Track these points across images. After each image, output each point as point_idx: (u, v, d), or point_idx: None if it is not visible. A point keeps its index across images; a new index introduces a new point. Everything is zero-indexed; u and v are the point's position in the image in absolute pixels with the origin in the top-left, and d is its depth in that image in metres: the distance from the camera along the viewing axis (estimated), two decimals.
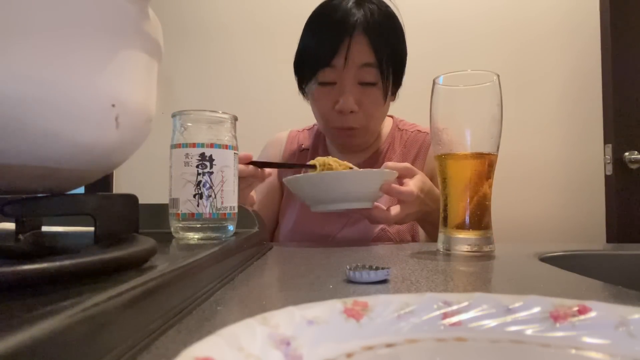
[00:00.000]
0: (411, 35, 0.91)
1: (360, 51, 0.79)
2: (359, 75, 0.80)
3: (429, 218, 0.73)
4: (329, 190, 0.62)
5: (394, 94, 0.88)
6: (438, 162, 0.57)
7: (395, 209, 0.66)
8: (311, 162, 0.70)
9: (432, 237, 0.78)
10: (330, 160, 0.70)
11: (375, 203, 0.68)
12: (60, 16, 0.24)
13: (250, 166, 0.69)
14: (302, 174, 0.65)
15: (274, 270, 0.44)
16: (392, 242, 0.80)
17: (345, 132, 0.84)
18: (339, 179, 0.61)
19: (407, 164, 0.69)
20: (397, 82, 0.86)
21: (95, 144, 0.27)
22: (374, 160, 0.91)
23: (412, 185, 0.66)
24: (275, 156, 0.99)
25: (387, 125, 0.96)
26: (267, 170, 0.71)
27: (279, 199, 0.96)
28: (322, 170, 0.69)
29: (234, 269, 0.39)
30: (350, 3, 0.81)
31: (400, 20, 0.85)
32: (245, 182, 0.70)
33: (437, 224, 0.69)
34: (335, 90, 0.81)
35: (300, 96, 0.92)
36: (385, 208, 0.67)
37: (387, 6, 0.84)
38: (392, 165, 0.68)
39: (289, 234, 0.89)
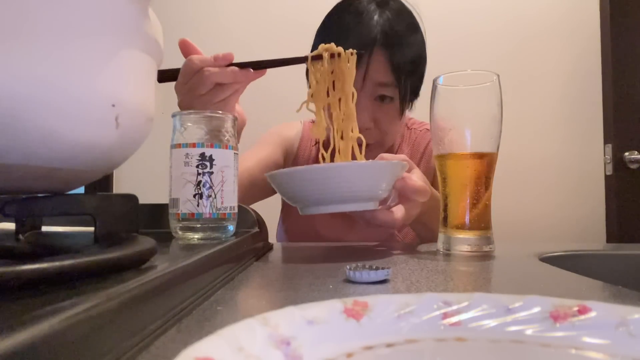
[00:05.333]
0: None
1: (378, 70, 0.75)
2: (375, 91, 0.77)
3: (421, 218, 0.66)
4: (327, 187, 0.48)
5: (411, 104, 0.84)
6: (438, 161, 0.57)
7: (399, 212, 0.57)
8: (315, 52, 0.61)
9: (423, 238, 0.75)
10: (336, 49, 0.60)
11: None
12: (60, 16, 0.24)
13: (232, 68, 0.57)
14: (290, 168, 0.51)
15: (274, 270, 0.44)
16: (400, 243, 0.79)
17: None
18: (341, 172, 0.48)
19: (403, 156, 0.61)
20: (414, 94, 0.82)
21: (95, 144, 0.27)
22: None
23: (419, 181, 0.57)
24: (293, 139, 0.92)
25: None
26: (253, 73, 0.59)
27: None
28: (331, 61, 0.59)
29: (234, 269, 0.39)
30: (371, 9, 0.75)
31: (422, 28, 0.81)
32: (229, 89, 0.58)
33: (428, 225, 0.67)
34: None
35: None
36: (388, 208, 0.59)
37: (410, 13, 0.80)
38: (388, 157, 0.59)
39: (296, 236, 0.88)
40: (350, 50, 0.60)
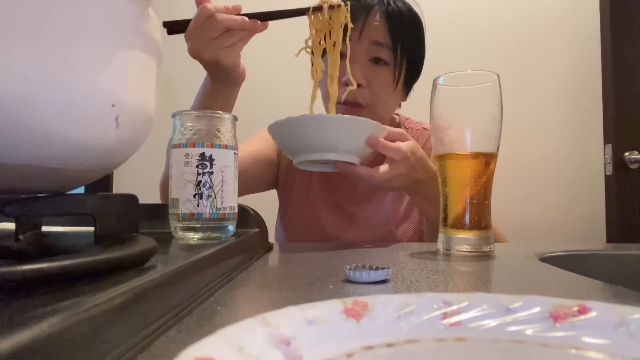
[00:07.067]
0: None
1: (375, 29, 0.79)
2: (371, 51, 0.79)
3: (420, 189, 0.68)
4: (311, 136, 0.57)
5: (406, 92, 0.86)
6: (438, 161, 0.57)
7: (383, 168, 0.61)
8: (316, 5, 0.67)
9: (425, 213, 0.75)
10: (334, 1, 0.66)
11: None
12: (60, 16, 0.24)
13: (241, 16, 0.64)
14: (279, 119, 0.59)
15: (274, 270, 0.44)
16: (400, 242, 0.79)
17: (349, 107, 0.81)
18: (322, 123, 0.56)
19: (401, 130, 0.65)
20: (409, 79, 0.84)
21: (95, 144, 0.27)
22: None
23: (402, 144, 0.62)
24: None
25: (392, 124, 0.94)
26: (260, 24, 0.65)
27: (266, 171, 0.92)
28: (329, 12, 0.66)
29: (234, 269, 0.39)
30: None
31: (423, 21, 0.84)
32: (237, 36, 0.64)
33: (429, 197, 0.68)
34: (344, 63, 0.77)
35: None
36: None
37: (411, 6, 0.84)
38: (385, 127, 0.64)
39: (294, 232, 0.89)
40: (346, 2, 0.67)
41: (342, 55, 0.76)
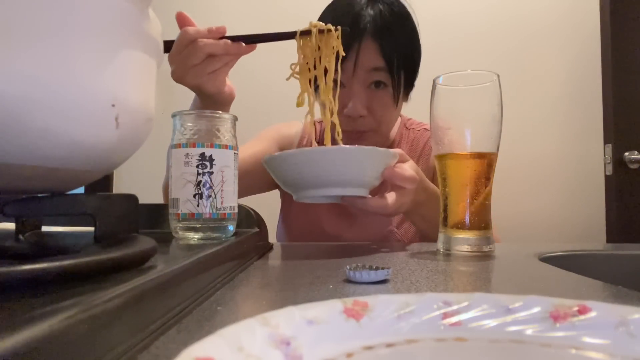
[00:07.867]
0: None
1: (369, 56, 0.76)
2: (368, 78, 0.77)
3: (419, 210, 0.66)
4: (323, 171, 0.50)
5: (407, 95, 0.85)
6: (438, 161, 0.57)
7: (391, 197, 0.58)
8: (304, 28, 0.62)
9: (423, 231, 0.74)
10: (324, 25, 0.61)
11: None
12: (60, 16, 0.24)
13: (224, 41, 0.60)
14: (282, 152, 0.52)
15: (274, 270, 0.44)
16: (400, 242, 0.79)
17: (354, 135, 0.80)
18: (326, 156, 0.50)
19: (399, 150, 0.61)
20: (409, 84, 0.83)
21: (95, 144, 0.27)
22: None
23: (410, 171, 0.58)
24: (292, 137, 0.93)
25: (395, 125, 0.94)
26: (245, 46, 0.62)
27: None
28: (317, 38, 0.61)
29: (234, 269, 0.39)
30: (362, 2, 0.77)
31: (414, 19, 0.82)
32: (220, 61, 0.61)
33: (427, 217, 0.67)
34: (344, 94, 0.77)
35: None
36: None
37: (401, 5, 0.81)
38: (396, 155, 0.60)
39: (296, 234, 0.89)
40: (337, 27, 0.62)
41: (339, 83, 0.70)
